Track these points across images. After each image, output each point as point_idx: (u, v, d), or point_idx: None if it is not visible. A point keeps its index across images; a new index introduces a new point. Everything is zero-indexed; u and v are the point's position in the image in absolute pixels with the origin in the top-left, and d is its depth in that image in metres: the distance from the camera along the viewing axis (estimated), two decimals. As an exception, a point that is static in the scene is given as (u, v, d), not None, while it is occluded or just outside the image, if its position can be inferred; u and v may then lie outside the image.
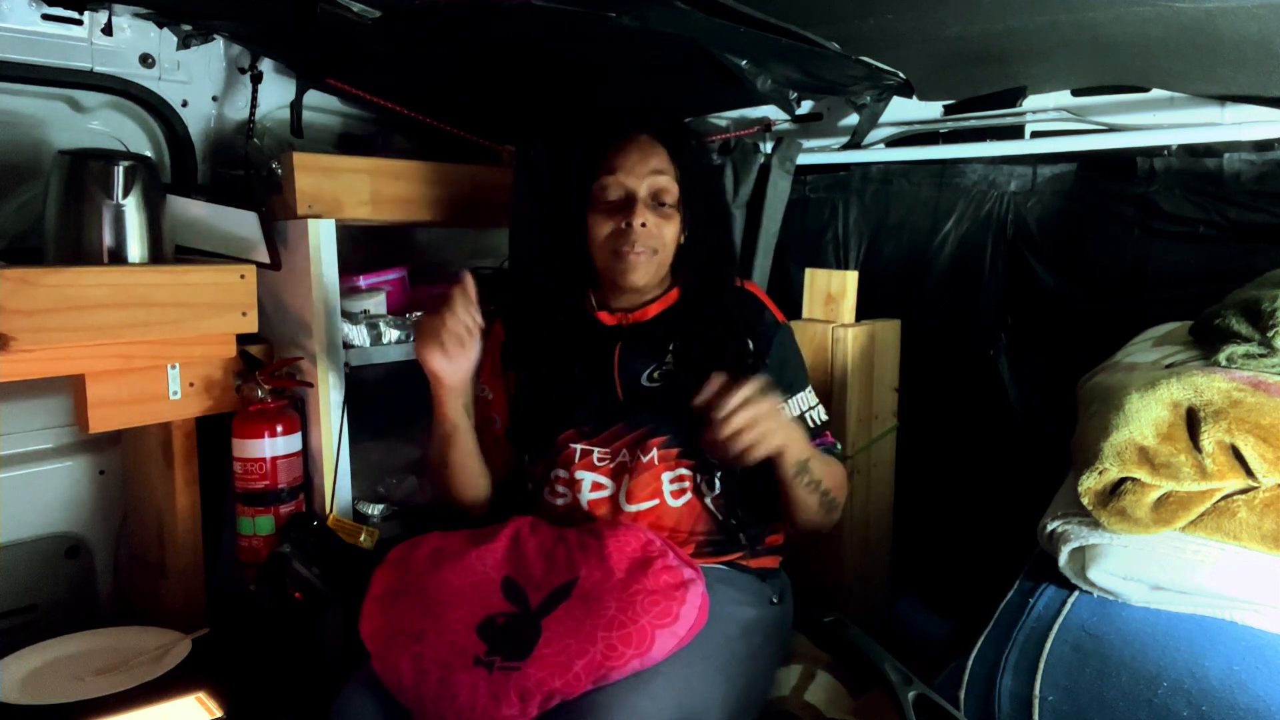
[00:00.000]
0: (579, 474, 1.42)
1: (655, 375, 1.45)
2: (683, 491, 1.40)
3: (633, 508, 1.38)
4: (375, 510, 1.77)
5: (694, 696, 1.17)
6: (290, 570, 1.55)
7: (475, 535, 1.33)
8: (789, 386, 1.45)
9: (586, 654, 1.13)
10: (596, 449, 1.42)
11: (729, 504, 1.42)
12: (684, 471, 1.41)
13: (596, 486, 1.41)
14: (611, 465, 1.41)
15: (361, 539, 1.63)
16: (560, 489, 1.44)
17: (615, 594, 1.19)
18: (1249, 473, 1.09)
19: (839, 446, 1.48)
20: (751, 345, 1.45)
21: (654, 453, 1.40)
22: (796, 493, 1.34)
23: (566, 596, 1.21)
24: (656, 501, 1.39)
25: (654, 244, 1.42)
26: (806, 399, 1.47)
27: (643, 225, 1.41)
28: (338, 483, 1.67)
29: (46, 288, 1.39)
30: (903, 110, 1.84)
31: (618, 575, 1.22)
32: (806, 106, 1.93)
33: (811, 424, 1.45)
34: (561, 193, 1.55)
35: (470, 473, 1.49)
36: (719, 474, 1.41)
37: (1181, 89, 1.55)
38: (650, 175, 1.43)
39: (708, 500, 1.41)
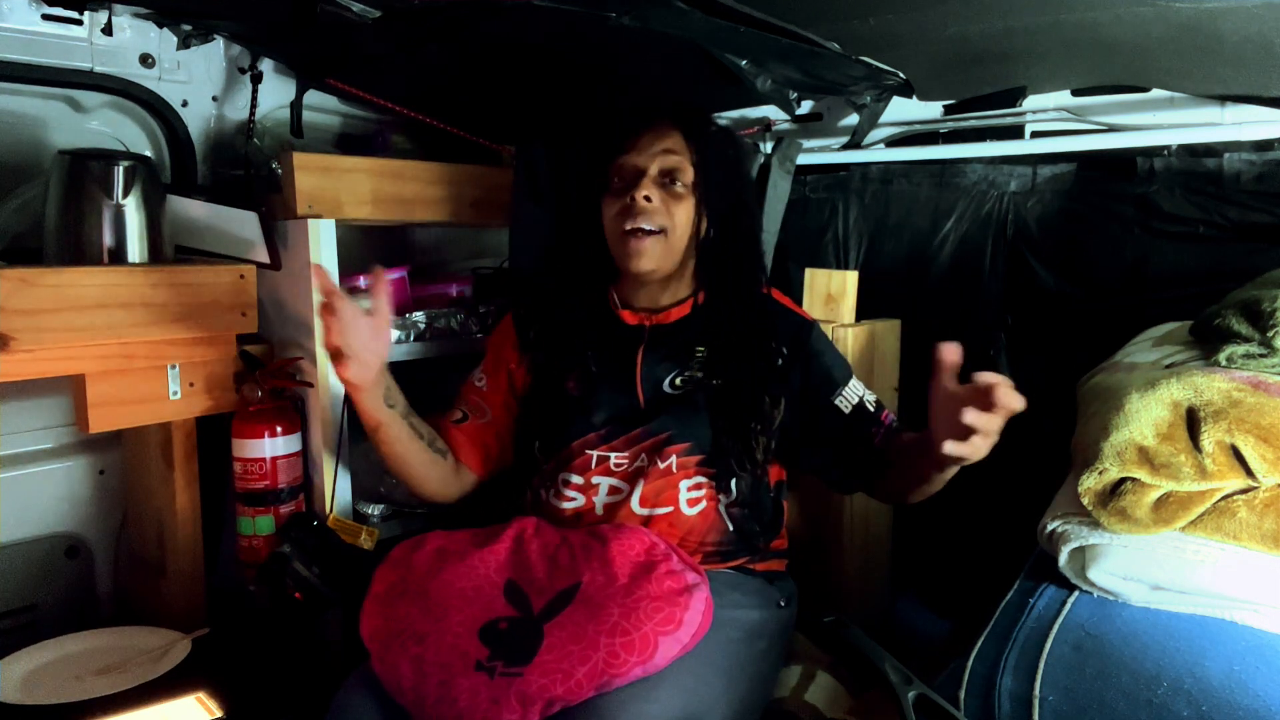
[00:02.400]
0: (595, 479, 1.40)
1: (678, 382, 1.43)
2: (698, 500, 1.39)
3: (645, 512, 1.37)
4: (375, 510, 1.77)
5: (697, 700, 1.17)
6: (290, 570, 1.55)
7: (478, 536, 1.33)
8: (840, 379, 1.46)
9: (589, 660, 1.12)
10: (614, 454, 1.41)
11: (751, 510, 1.42)
12: (701, 480, 1.40)
13: (613, 491, 1.40)
14: (628, 469, 1.40)
15: (361, 539, 1.63)
16: (571, 494, 1.42)
17: (618, 599, 1.18)
18: (1249, 473, 1.09)
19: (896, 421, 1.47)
20: (785, 353, 1.44)
21: (673, 459, 1.39)
22: (939, 480, 1.31)
23: (569, 601, 1.20)
24: (671, 509, 1.38)
25: (660, 221, 1.39)
26: (858, 386, 1.47)
27: (646, 199, 1.38)
28: (338, 483, 1.67)
29: (46, 288, 1.39)
30: (903, 110, 1.83)
31: (621, 580, 1.21)
32: (806, 106, 1.93)
33: (872, 407, 1.45)
34: (579, 184, 1.54)
35: (414, 465, 1.43)
36: (736, 480, 1.40)
37: (1181, 89, 1.55)
38: (662, 154, 1.41)
39: (722, 508, 1.40)
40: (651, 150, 1.42)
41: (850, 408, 1.44)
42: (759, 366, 1.42)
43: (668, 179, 1.42)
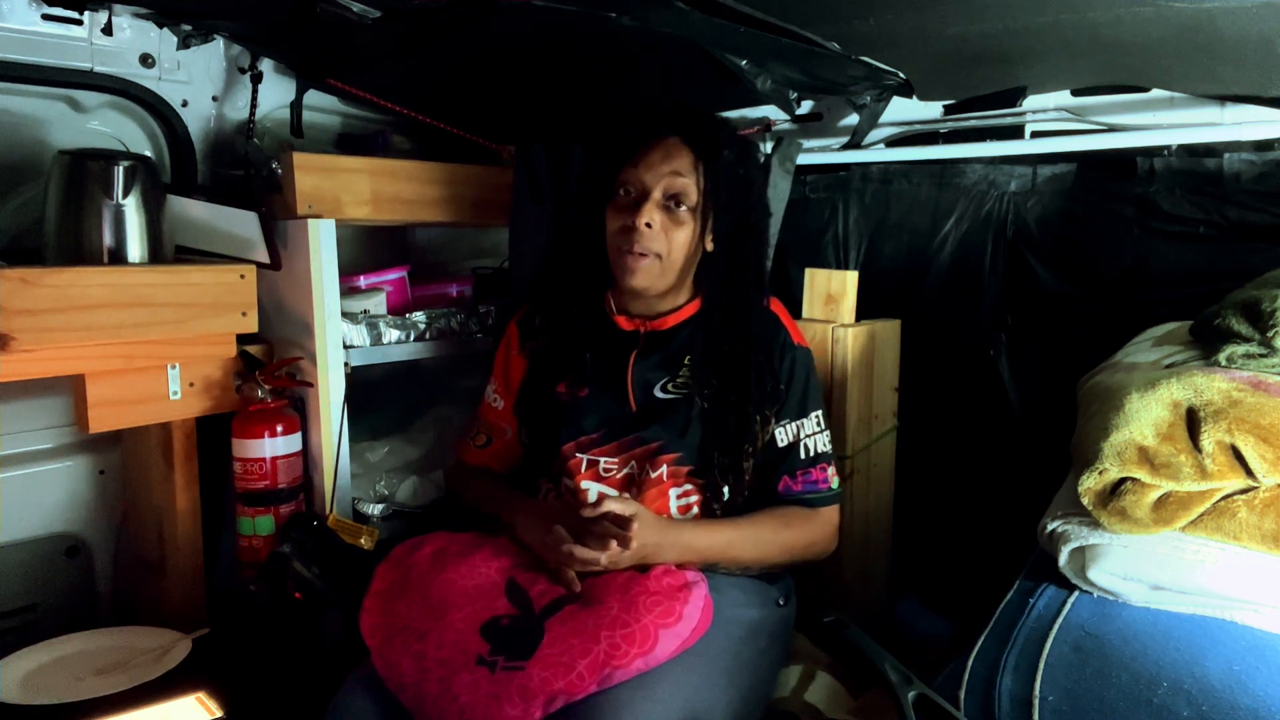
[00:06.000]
0: (584, 484, 1.40)
1: (670, 388, 1.43)
2: (689, 507, 1.40)
3: None
4: (375, 510, 1.77)
5: (699, 698, 1.17)
6: (290, 570, 1.55)
7: (479, 537, 1.33)
8: (793, 412, 1.42)
9: (590, 653, 1.13)
10: (604, 459, 1.41)
11: (741, 513, 1.41)
12: (690, 487, 1.40)
13: (602, 497, 1.40)
14: (619, 476, 1.40)
15: (361, 539, 1.63)
16: (565, 499, 1.43)
17: (617, 595, 1.19)
18: (1249, 473, 1.09)
19: (833, 486, 1.43)
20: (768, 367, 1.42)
21: (664, 469, 1.39)
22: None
23: (570, 599, 1.21)
24: (663, 516, 1.37)
25: (657, 247, 1.38)
26: (807, 425, 1.43)
27: (648, 225, 1.37)
28: (338, 483, 1.67)
29: (47, 288, 1.39)
30: (903, 110, 1.83)
31: (620, 578, 1.23)
32: (806, 106, 1.93)
33: (805, 453, 1.42)
34: (584, 187, 1.53)
35: None
36: (727, 488, 1.40)
37: (1181, 89, 1.55)
38: (669, 176, 1.39)
39: (716, 511, 1.40)
40: (659, 170, 1.39)
41: (784, 441, 1.42)
42: (751, 384, 1.40)
43: (672, 201, 1.39)
